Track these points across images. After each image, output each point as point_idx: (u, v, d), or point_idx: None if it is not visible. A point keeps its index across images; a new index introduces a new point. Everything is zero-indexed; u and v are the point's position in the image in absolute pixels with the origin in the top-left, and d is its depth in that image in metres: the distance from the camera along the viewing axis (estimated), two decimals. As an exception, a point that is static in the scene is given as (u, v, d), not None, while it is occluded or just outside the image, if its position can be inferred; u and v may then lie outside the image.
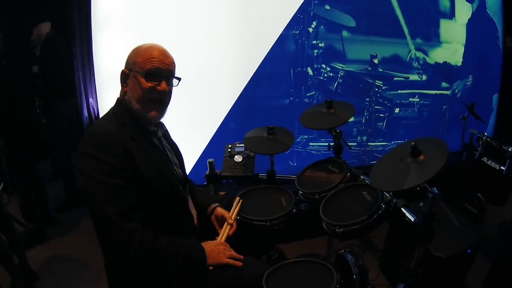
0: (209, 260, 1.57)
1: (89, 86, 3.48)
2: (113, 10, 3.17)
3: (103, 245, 1.58)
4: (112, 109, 1.61)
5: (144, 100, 1.54)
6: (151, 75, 1.52)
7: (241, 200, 2.05)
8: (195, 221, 1.83)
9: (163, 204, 1.58)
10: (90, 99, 3.51)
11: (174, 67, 1.61)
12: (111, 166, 1.39)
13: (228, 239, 1.78)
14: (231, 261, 1.61)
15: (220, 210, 1.91)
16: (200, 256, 1.56)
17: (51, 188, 3.88)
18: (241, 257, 1.66)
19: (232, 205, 2.00)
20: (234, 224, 1.86)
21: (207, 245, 1.62)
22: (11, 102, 3.11)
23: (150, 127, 1.65)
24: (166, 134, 1.82)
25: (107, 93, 3.35)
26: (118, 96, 1.62)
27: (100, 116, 3.44)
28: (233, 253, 1.66)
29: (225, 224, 1.85)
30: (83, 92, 3.52)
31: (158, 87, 1.54)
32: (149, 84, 1.52)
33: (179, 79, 1.64)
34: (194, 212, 1.85)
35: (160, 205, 1.56)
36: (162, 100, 1.59)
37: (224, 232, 1.80)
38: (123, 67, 1.59)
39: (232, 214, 1.91)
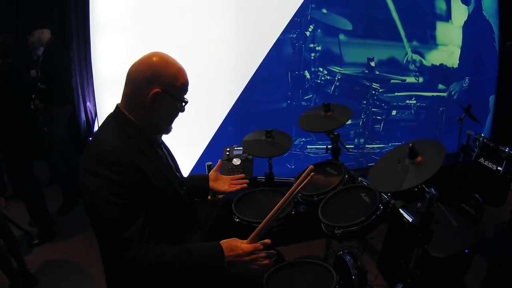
0: (227, 271, 1.44)
1: (87, 90, 3.49)
2: (111, 14, 3.17)
3: (106, 258, 1.56)
4: (113, 119, 1.53)
5: (171, 121, 1.61)
6: (185, 101, 1.59)
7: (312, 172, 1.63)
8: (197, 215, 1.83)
9: (170, 211, 1.57)
10: (88, 103, 3.52)
11: None
12: (123, 186, 1.35)
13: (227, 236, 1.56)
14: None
15: (212, 174, 2.05)
16: (215, 264, 1.44)
17: (49, 192, 3.88)
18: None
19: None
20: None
21: (230, 255, 1.45)
22: (15, 104, 3.12)
23: (153, 136, 1.63)
24: (162, 140, 1.83)
25: (105, 96, 3.35)
26: (119, 103, 1.55)
27: (98, 120, 3.45)
28: (259, 261, 1.49)
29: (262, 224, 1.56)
30: (80, 96, 3.54)
31: (182, 110, 1.61)
32: (179, 108, 1.58)
33: None
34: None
35: (168, 212, 1.55)
36: None
37: (258, 233, 1.54)
38: (123, 71, 1.51)
39: (298, 184, 1.60)
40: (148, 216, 1.42)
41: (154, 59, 1.50)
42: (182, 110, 1.61)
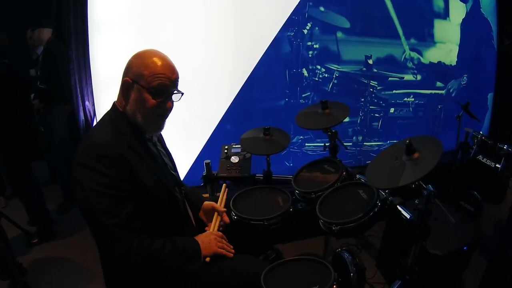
0: (203, 251, 1.58)
1: (85, 89, 3.48)
2: (110, 14, 3.16)
3: (102, 253, 1.58)
4: (108, 115, 1.58)
5: (149, 116, 1.53)
6: (158, 93, 1.49)
7: (227, 188, 2.11)
8: (193, 222, 1.83)
9: (161, 210, 1.58)
10: (86, 102, 3.51)
11: (179, 81, 1.58)
12: (109, 177, 1.38)
13: (225, 234, 1.77)
14: (223, 251, 1.62)
15: (207, 203, 1.94)
16: (195, 248, 1.57)
17: (49, 191, 3.88)
18: (232, 249, 1.69)
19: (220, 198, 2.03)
20: (225, 217, 1.90)
21: (199, 238, 1.63)
22: (10, 104, 3.11)
23: (147, 134, 1.63)
24: (160, 138, 1.82)
25: (104, 95, 3.34)
26: (115, 100, 1.59)
27: (97, 119, 3.44)
28: (224, 244, 1.67)
29: (215, 214, 1.88)
30: (79, 95, 3.53)
31: (164, 105, 1.53)
32: (155, 101, 1.50)
33: (181, 93, 1.60)
34: (190, 213, 1.85)
35: (158, 211, 1.56)
36: (165, 116, 1.59)
37: (215, 223, 1.83)
38: (121, 70, 1.55)
39: (220, 203, 1.96)
40: (138, 210, 1.45)
41: (136, 52, 1.54)
42: (161, 104, 1.52)
